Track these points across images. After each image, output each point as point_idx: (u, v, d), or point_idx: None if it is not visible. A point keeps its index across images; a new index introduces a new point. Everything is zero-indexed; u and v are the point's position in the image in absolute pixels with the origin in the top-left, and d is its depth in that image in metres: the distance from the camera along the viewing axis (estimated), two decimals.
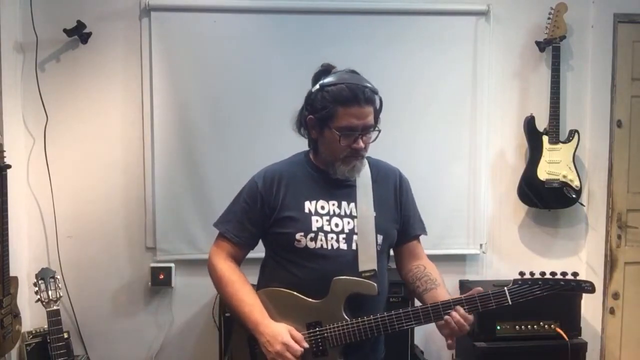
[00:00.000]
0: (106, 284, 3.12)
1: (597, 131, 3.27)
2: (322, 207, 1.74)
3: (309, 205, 1.73)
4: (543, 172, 3.09)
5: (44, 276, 2.67)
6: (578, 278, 1.62)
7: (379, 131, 1.73)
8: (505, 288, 1.62)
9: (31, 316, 3.01)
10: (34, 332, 2.91)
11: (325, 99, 1.67)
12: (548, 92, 3.11)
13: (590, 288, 1.63)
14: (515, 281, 1.63)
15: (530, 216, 3.27)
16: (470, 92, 3.17)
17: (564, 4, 3.08)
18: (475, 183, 3.20)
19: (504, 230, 3.28)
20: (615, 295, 3.32)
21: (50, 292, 2.65)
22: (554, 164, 3.09)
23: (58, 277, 2.72)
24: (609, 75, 3.26)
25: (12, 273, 2.64)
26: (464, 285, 3.09)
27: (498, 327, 2.84)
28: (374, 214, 1.75)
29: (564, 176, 3.09)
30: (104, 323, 3.13)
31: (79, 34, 2.96)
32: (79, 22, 2.94)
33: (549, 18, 3.10)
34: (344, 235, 1.72)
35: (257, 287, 1.81)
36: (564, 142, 3.12)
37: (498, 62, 3.20)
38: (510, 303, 1.61)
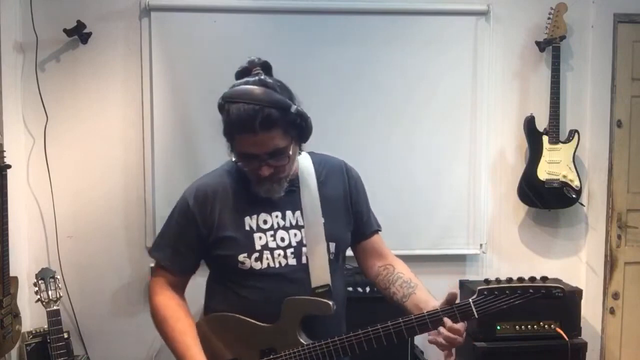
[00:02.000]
0: (106, 284, 3.12)
1: (597, 131, 3.27)
2: (265, 222, 1.57)
3: (249, 222, 1.56)
4: (543, 172, 3.09)
5: (44, 276, 2.68)
6: (547, 284, 1.50)
7: (289, 157, 1.50)
8: (470, 300, 1.47)
9: (31, 316, 3.01)
10: (34, 332, 2.91)
11: (224, 118, 1.47)
12: (548, 92, 3.10)
13: (561, 294, 1.48)
14: (480, 292, 1.48)
15: (530, 216, 3.27)
16: (470, 92, 3.17)
17: (564, 4, 3.08)
18: (475, 183, 3.20)
19: (504, 230, 3.27)
20: (615, 295, 3.32)
21: (50, 292, 2.65)
22: (554, 164, 3.09)
23: (58, 277, 2.72)
24: (609, 75, 3.26)
25: (12, 273, 2.64)
26: (464, 285, 3.09)
27: (498, 327, 2.85)
28: (323, 221, 1.58)
29: (564, 176, 3.09)
30: (104, 323, 3.13)
31: (79, 34, 2.96)
32: (79, 22, 2.94)
33: (549, 18, 3.09)
34: (291, 250, 1.56)
35: (205, 309, 1.67)
36: (564, 142, 3.12)
37: (498, 62, 3.20)
38: (476, 316, 1.47)
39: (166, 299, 1.61)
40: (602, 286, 3.32)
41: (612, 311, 3.33)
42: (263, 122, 1.41)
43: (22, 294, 2.81)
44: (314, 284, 1.55)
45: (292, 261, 1.56)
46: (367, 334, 1.49)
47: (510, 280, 1.50)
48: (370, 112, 3.11)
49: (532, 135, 3.12)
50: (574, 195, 3.10)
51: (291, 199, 1.59)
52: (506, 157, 3.25)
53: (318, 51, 3.07)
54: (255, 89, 1.45)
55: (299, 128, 1.50)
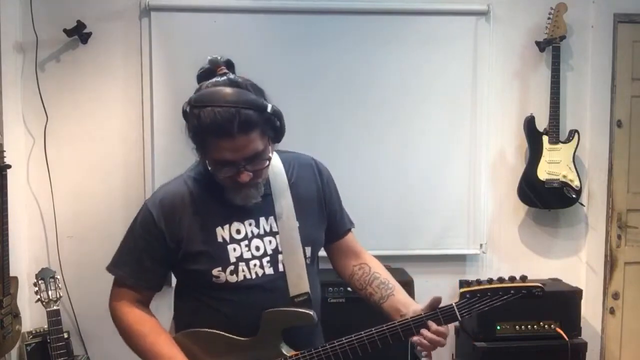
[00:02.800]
0: (106, 284, 3.10)
1: (597, 131, 3.27)
2: (238, 231, 1.46)
3: (221, 233, 1.45)
4: (543, 172, 3.09)
5: (44, 276, 2.67)
6: (527, 283, 1.47)
7: (269, 159, 1.42)
8: (454, 304, 1.47)
9: (31, 316, 3.01)
10: (34, 332, 2.91)
11: (194, 124, 1.34)
12: (548, 92, 3.10)
13: (540, 293, 1.45)
14: (462, 295, 1.47)
15: (530, 216, 3.27)
16: (470, 92, 3.16)
17: (564, 4, 3.08)
18: (475, 183, 3.20)
19: (504, 230, 3.27)
20: (615, 295, 3.32)
21: (50, 292, 2.65)
22: (554, 164, 3.09)
23: (58, 277, 2.72)
24: (609, 75, 3.26)
25: (12, 273, 2.64)
26: (463, 285, 3.08)
27: (498, 327, 2.84)
28: (297, 224, 1.50)
29: (564, 176, 3.09)
30: (104, 323, 3.09)
31: (79, 34, 2.96)
32: (79, 22, 2.94)
33: (549, 18, 3.09)
34: (267, 258, 1.47)
35: (175, 325, 1.57)
36: (564, 142, 3.12)
37: (498, 62, 3.20)
38: (460, 319, 1.48)
39: (137, 314, 1.50)
40: (602, 286, 3.32)
41: (612, 311, 3.33)
42: (241, 125, 1.30)
43: (22, 294, 2.81)
44: (292, 293, 1.47)
45: (269, 270, 1.47)
46: (351, 343, 1.44)
47: (491, 280, 1.50)
48: (369, 112, 3.11)
49: (532, 135, 3.12)
50: (574, 195, 3.10)
51: (263, 205, 1.49)
52: (506, 157, 3.25)
53: (317, 51, 3.06)
54: (228, 90, 1.34)
55: (275, 128, 1.40)
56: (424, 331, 1.44)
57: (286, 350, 1.47)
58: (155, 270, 1.50)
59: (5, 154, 2.57)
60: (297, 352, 1.47)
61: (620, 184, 3.30)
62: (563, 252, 3.31)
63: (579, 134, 3.12)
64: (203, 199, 1.47)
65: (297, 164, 1.58)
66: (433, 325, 1.44)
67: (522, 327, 2.87)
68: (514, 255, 3.28)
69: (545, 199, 3.12)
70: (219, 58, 1.46)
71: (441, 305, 1.48)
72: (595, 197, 3.30)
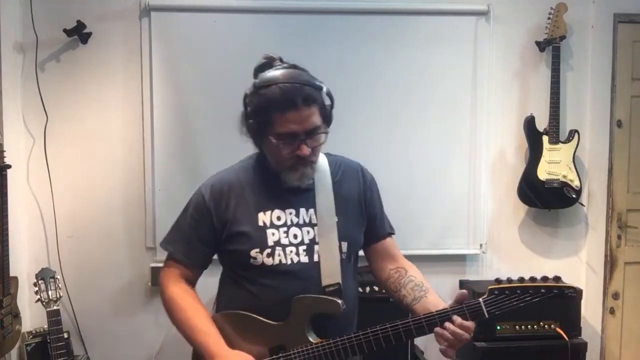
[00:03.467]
0: (106, 284, 3.12)
1: (597, 131, 3.27)
2: (278, 218, 1.58)
3: (263, 217, 1.58)
4: (543, 172, 3.09)
5: (44, 276, 2.67)
6: (560, 284, 1.49)
7: (326, 133, 1.56)
8: (481, 300, 1.45)
9: (31, 316, 3.01)
10: (34, 332, 2.91)
11: (260, 103, 1.50)
12: (548, 92, 3.10)
13: (574, 294, 1.47)
14: (491, 291, 1.46)
15: (530, 216, 3.27)
16: (470, 92, 3.17)
17: (564, 4, 3.08)
18: (475, 183, 3.20)
19: (504, 230, 3.27)
20: (615, 295, 3.32)
21: (50, 292, 2.65)
22: (554, 164, 3.09)
23: (58, 277, 2.72)
24: (609, 75, 3.26)
25: (12, 273, 2.64)
26: (463, 285, 3.09)
27: (498, 327, 2.85)
28: (336, 220, 1.60)
29: (564, 176, 3.09)
30: (104, 323, 3.13)
31: (79, 34, 2.96)
32: (79, 22, 2.94)
33: (549, 18, 3.09)
34: (304, 247, 1.57)
35: (216, 306, 1.70)
36: (564, 142, 3.12)
37: (498, 62, 3.20)
38: (487, 317, 1.46)
39: (182, 290, 1.62)
40: (602, 286, 3.32)
41: (612, 311, 3.33)
42: (305, 98, 1.47)
43: (22, 294, 2.81)
44: (324, 282, 1.55)
45: (304, 258, 1.57)
46: (375, 333, 1.49)
47: (522, 279, 1.49)
48: (370, 112, 3.10)
49: (532, 135, 3.12)
50: (574, 195, 3.10)
51: (305, 197, 1.60)
52: (506, 157, 3.25)
53: (318, 51, 3.06)
54: (290, 70, 1.52)
55: (328, 110, 1.55)
56: (448, 324, 1.46)
57: (312, 338, 1.53)
58: (202, 249, 1.63)
59: (5, 154, 2.56)
60: (321, 340, 1.52)
61: (620, 184, 3.30)
62: (563, 252, 3.31)
63: (579, 134, 3.12)
64: (250, 186, 1.61)
65: (343, 165, 1.71)
66: (458, 319, 1.46)
67: (522, 327, 2.87)
68: (514, 255, 3.28)
69: (545, 199, 3.12)
70: (273, 55, 1.61)
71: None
72: (595, 197, 3.30)
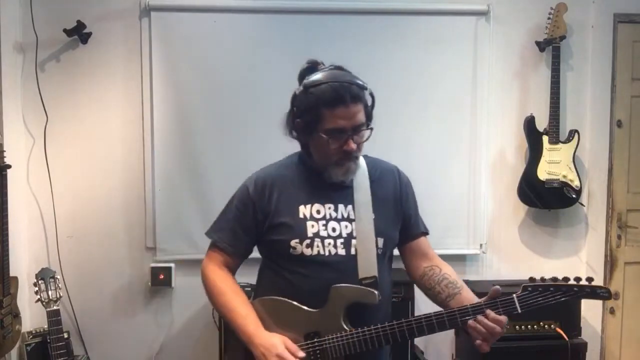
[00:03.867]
0: (106, 284, 3.12)
1: (597, 131, 3.27)
2: (318, 211, 1.66)
3: (303, 210, 1.65)
4: (543, 172, 3.09)
5: (44, 276, 2.67)
6: (593, 284, 1.51)
7: (372, 129, 1.64)
8: (514, 296, 1.51)
9: (31, 316, 3.01)
10: (34, 332, 2.91)
11: (310, 101, 1.59)
12: (548, 92, 3.11)
13: (606, 294, 1.50)
14: (524, 287, 1.51)
15: (530, 216, 3.27)
16: (470, 92, 3.17)
17: (564, 4, 3.08)
18: (475, 183, 3.20)
19: (504, 230, 3.27)
20: (615, 295, 3.31)
21: (50, 292, 2.65)
22: (554, 164, 3.09)
23: (58, 277, 2.72)
24: (609, 75, 3.26)
25: (12, 273, 2.64)
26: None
27: None
28: (373, 216, 1.66)
29: (564, 176, 3.09)
30: (104, 323, 3.13)
31: (79, 34, 2.97)
32: (79, 22, 2.94)
33: (549, 18, 3.10)
34: (341, 240, 1.64)
35: (254, 295, 1.76)
36: (564, 142, 3.12)
37: (498, 62, 3.20)
38: (519, 311, 1.52)
39: (223, 275, 1.70)
40: None
41: (612, 311, 3.33)
42: (352, 95, 1.56)
43: (22, 294, 2.81)
44: (361, 275, 1.61)
45: (342, 251, 1.63)
46: (409, 324, 1.54)
47: (555, 279, 1.52)
48: None
49: (532, 135, 3.12)
50: (574, 195, 3.10)
51: (344, 194, 1.68)
52: (506, 157, 3.25)
53: (318, 51, 3.00)
54: (338, 71, 1.64)
55: (369, 108, 1.64)
56: (481, 318, 1.51)
57: (347, 327, 1.58)
58: (244, 239, 1.71)
59: (5, 154, 2.56)
60: (355, 329, 1.57)
61: (620, 184, 3.30)
62: (563, 252, 3.31)
63: (579, 134, 3.12)
64: (291, 181, 1.70)
65: (381, 167, 1.79)
66: (491, 313, 1.51)
67: (522, 327, 2.87)
68: (514, 255, 3.28)
69: (545, 199, 3.12)
70: (316, 59, 1.70)
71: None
72: (595, 197, 3.30)
